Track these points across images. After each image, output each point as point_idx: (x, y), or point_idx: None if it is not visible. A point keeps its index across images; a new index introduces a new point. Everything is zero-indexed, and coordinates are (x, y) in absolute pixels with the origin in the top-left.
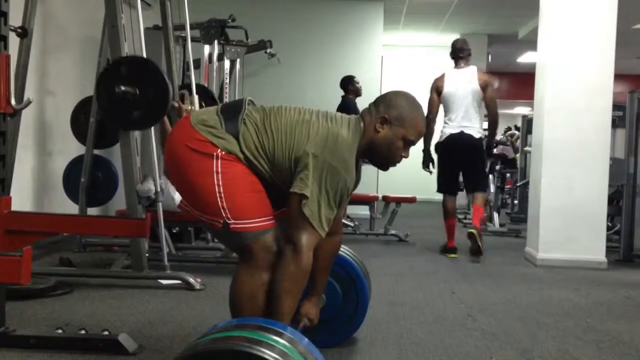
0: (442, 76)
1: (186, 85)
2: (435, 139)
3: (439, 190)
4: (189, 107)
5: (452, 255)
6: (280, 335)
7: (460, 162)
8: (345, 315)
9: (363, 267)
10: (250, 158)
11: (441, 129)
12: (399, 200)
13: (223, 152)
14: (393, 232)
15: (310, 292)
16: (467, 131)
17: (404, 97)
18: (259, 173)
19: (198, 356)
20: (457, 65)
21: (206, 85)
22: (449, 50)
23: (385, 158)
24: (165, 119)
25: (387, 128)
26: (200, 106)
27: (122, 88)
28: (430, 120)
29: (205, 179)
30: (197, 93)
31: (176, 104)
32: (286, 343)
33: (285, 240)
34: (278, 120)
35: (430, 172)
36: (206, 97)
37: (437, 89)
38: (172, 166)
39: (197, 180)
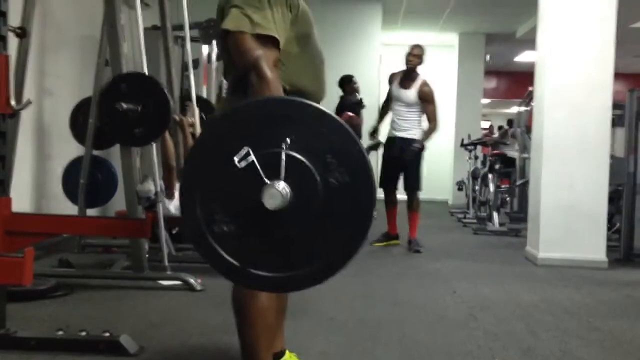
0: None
1: (186, 96)
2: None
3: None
4: (191, 120)
5: (396, 242)
6: None
7: None
8: None
9: None
10: None
11: (419, 128)
12: None
13: None
14: None
15: None
16: None
17: None
18: None
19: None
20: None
21: (205, 87)
22: (447, 48)
23: None
24: (166, 133)
25: None
26: (201, 118)
27: (124, 106)
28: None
29: None
30: (197, 105)
31: (177, 117)
32: None
33: (246, 72)
34: None
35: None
36: (207, 109)
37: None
38: None
39: None
